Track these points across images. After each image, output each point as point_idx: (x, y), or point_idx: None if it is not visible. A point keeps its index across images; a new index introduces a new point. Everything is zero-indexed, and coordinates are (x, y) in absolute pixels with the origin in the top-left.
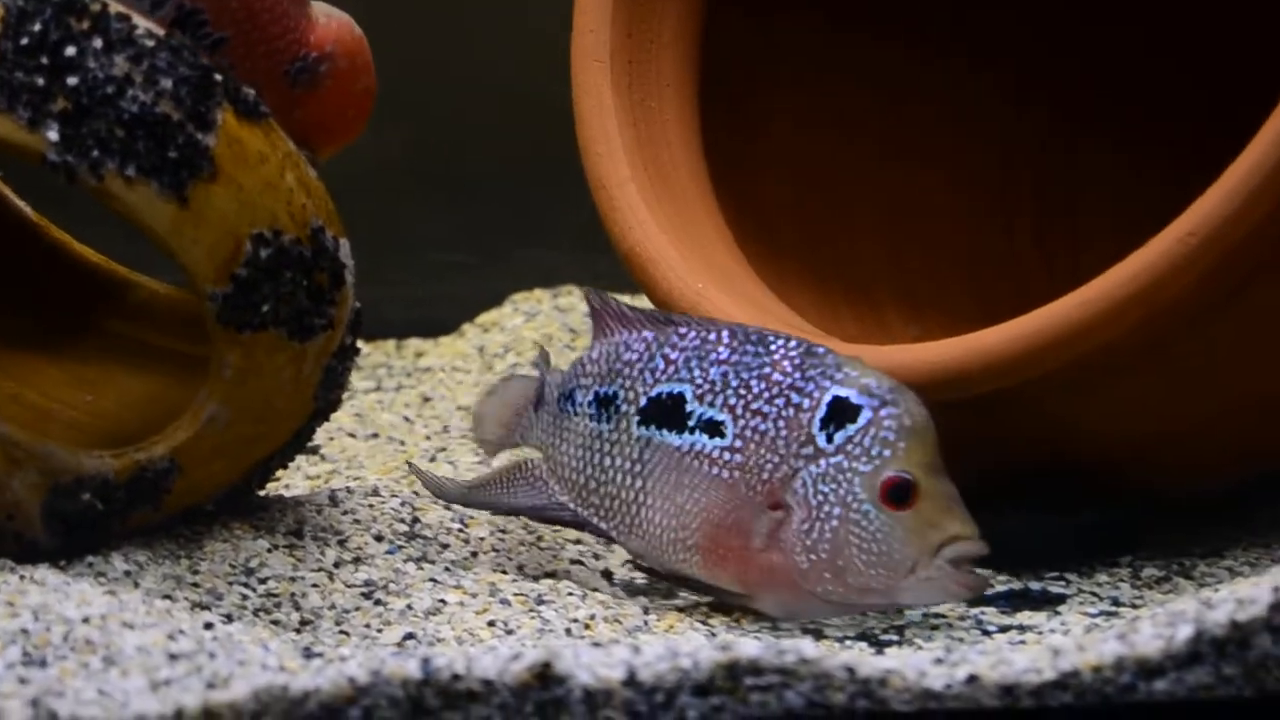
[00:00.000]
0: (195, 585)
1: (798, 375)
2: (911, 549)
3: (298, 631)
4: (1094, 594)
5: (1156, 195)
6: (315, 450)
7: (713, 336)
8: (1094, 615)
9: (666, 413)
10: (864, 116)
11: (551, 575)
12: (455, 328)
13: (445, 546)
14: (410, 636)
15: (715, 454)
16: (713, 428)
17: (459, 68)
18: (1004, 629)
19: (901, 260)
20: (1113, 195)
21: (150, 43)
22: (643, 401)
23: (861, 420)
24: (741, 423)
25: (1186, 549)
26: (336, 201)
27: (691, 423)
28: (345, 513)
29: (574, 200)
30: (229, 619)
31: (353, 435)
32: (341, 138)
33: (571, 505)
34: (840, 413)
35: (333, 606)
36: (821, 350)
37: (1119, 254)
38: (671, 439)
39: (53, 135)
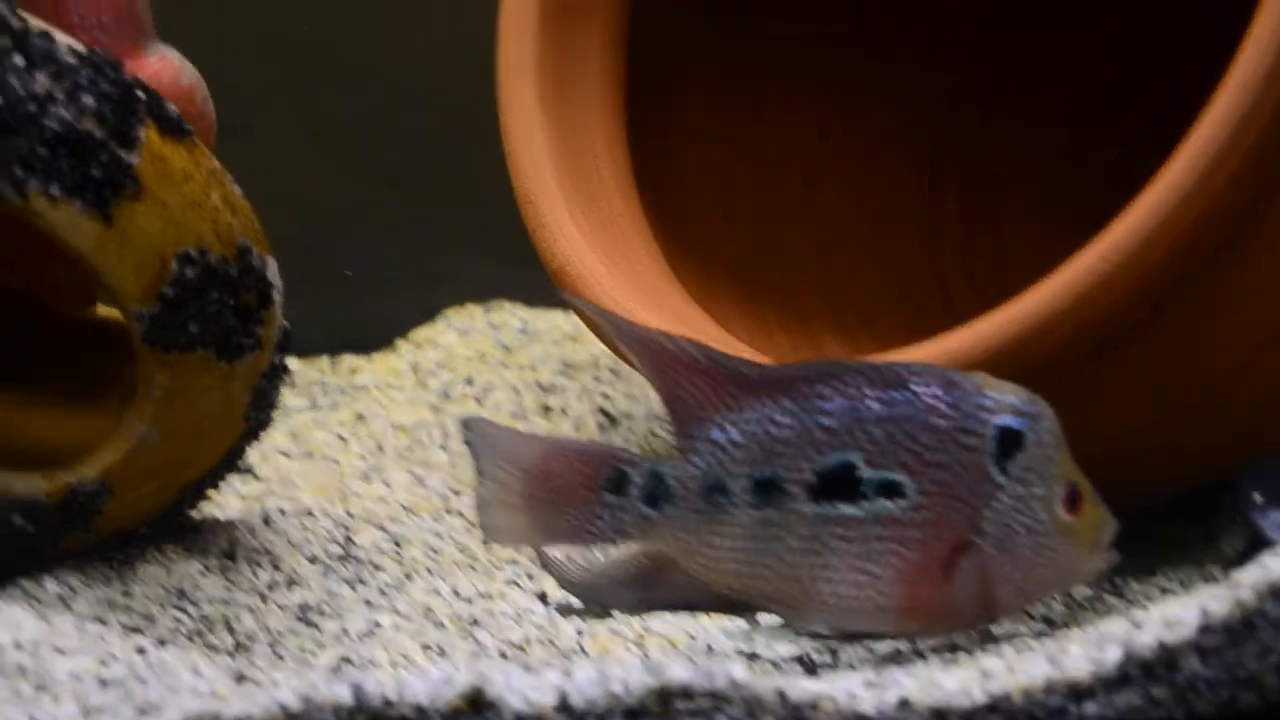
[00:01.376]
0: (128, 609)
1: (957, 414)
2: (1086, 547)
3: (232, 655)
4: (1026, 613)
5: (1084, 214)
6: (248, 470)
7: (855, 391)
8: (1026, 635)
9: (840, 485)
10: (793, 133)
11: (486, 597)
12: (389, 344)
13: (379, 568)
14: (345, 660)
15: (900, 515)
16: (891, 490)
17: (384, 76)
18: (936, 649)
19: (831, 278)
20: (1040, 215)
21: (72, 60)
22: (811, 479)
23: (1028, 445)
24: (920, 479)
25: (1118, 567)
26: (264, 218)
27: (869, 490)
28: (279, 534)
29: (505, 213)
30: (162, 643)
31: (286, 454)
32: None
33: (728, 593)
34: (1008, 443)
35: (267, 629)
36: (956, 377)
37: (1042, 273)
38: (850, 510)
39: None
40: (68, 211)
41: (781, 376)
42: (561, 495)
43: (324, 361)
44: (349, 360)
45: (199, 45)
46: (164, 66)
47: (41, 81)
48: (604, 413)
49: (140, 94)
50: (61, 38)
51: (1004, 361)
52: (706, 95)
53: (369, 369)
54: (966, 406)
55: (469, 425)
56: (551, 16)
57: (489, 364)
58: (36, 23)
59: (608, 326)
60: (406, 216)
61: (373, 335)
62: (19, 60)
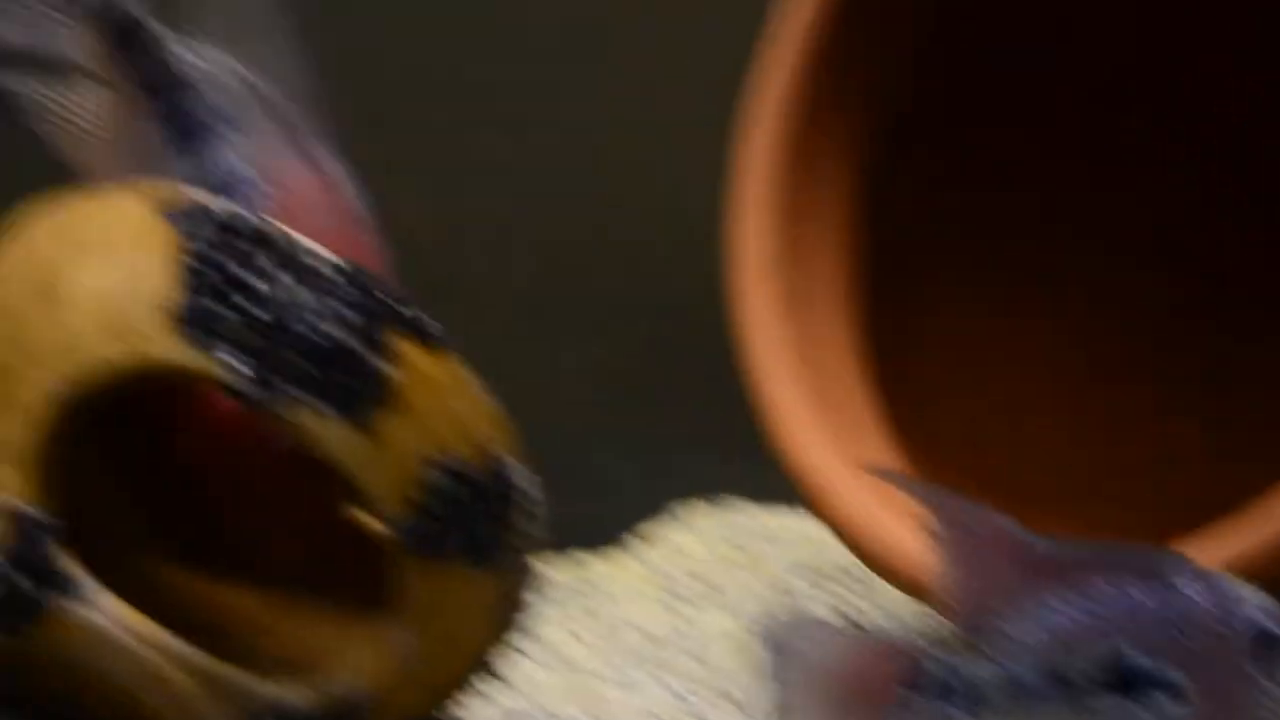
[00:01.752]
0: None
1: (1223, 613)
2: None
3: None
4: None
5: None
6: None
7: (1136, 580)
8: None
9: (1131, 684)
10: (1032, 317)
11: None
12: (616, 538)
13: None
14: None
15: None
16: (1175, 690)
17: (615, 273)
18: None
19: (1070, 471)
20: None
21: (332, 273)
22: (1106, 676)
23: None
24: (1196, 679)
25: None
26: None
27: (1155, 691)
28: None
29: (735, 408)
30: None
31: (521, 655)
32: None
33: None
34: (1267, 645)
35: None
36: (1217, 574)
37: None
38: (1139, 712)
39: (236, 364)
40: (325, 423)
41: (1072, 560)
42: (866, 698)
43: (552, 556)
44: (578, 556)
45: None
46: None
47: (302, 294)
48: (845, 616)
49: (399, 307)
50: (324, 251)
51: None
52: (944, 278)
53: (600, 567)
54: (1231, 606)
55: (771, 626)
56: (786, 217)
57: (723, 563)
58: (300, 238)
59: (916, 497)
60: (636, 410)
61: (602, 530)
62: (281, 273)
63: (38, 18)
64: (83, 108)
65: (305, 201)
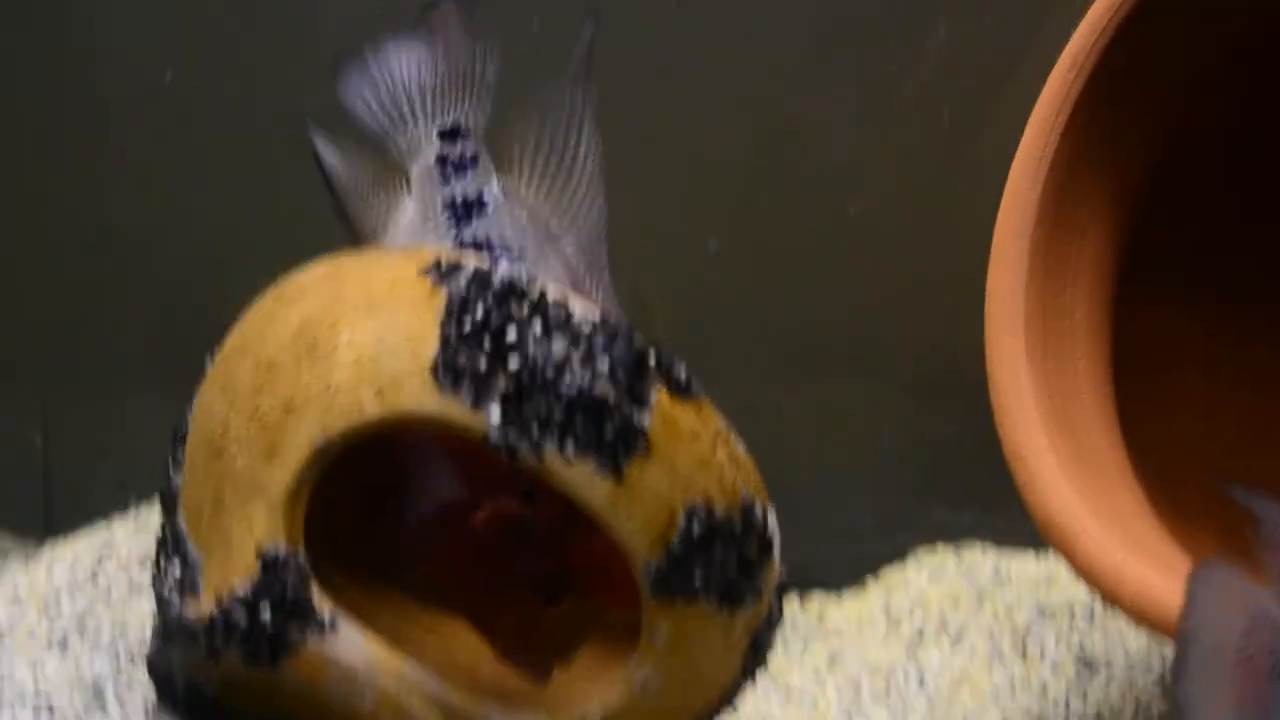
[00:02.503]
0: None
1: None
2: None
3: None
4: None
5: None
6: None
7: None
8: None
9: None
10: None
11: None
12: (857, 582)
13: None
14: None
15: None
16: None
17: (866, 316)
18: None
19: None
20: None
21: (587, 326)
22: None
23: None
24: None
25: None
26: None
27: None
28: None
29: (972, 456)
30: None
31: (764, 694)
32: None
33: None
34: None
35: None
36: None
37: None
38: None
39: (494, 416)
40: (581, 471)
41: None
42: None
43: (794, 600)
44: (819, 599)
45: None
46: None
47: (558, 346)
48: (1082, 659)
49: (652, 358)
50: (577, 304)
51: None
52: (1190, 354)
53: (839, 609)
54: None
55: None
56: (1040, 275)
57: (962, 607)
58: (554, 290)
59: None
60: (879, 459)
61: (843, 574)
62: (536, 326)
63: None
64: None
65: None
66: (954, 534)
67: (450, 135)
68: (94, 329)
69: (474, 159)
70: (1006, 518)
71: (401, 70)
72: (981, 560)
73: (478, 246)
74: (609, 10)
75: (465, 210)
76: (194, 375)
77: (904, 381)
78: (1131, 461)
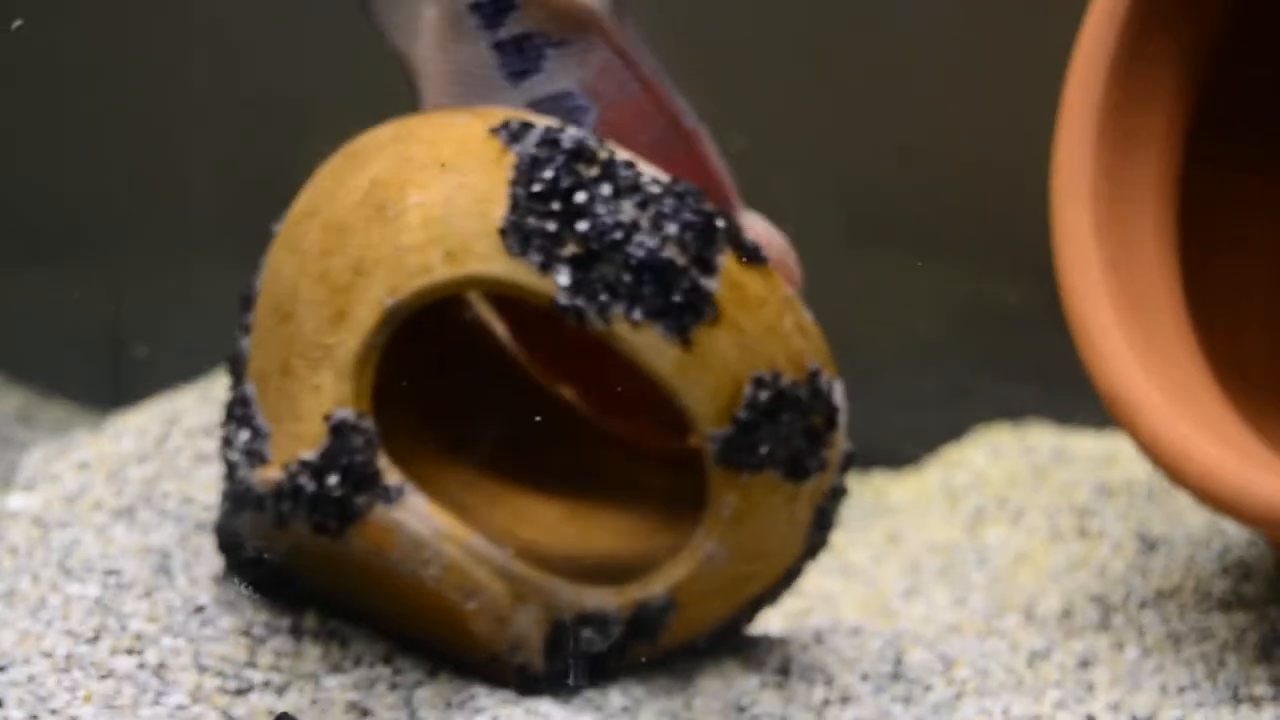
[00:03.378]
0: None
1: None
2: None
3: None
4: None
5: None
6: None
7: None
8: None
9: None
10: None
11: (1037, 719)
12: (917, 460)
13: (929, 688)
14: None
15: None
16: None
17: (932, 198)
18: None
19: None
20: None
21: (656, 189)
22: None
23: None
24: None
25: None
26: None
27: None
28: (830, 651)
29: (1035, 332)
30: None
31: (824, 570)
32: None
33: None
34: None
35: None
36: None
37: None
38: None
39: (563, 280)
40: (649, 336)
41: None
42: None
43: (854, 478)
44: (878, 477)
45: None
46: (767, 233)
47: (627, 210)
48: (1142, 537)
49: (720, 222)
50: (647, 167)
51: None
52: (1258, 229)
53: (899, 487)
54: None
55: None
56: (1108, 146)
57: (1021, 486)
58: (623, 153)
59: None
60: (940, 335)
61: (903, 451)
62: (606, 189)
63: None
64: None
65: (636, 117)
66: (1015, 411)
67: None
68: (164, 197)
69: None
70: (1069, 395)
71: None
72: (1041, 438)
73: (538, 97)
74: None
75: (514, 50)
76: (264, 243)
77: (968, 253)
78: (1198, 332)
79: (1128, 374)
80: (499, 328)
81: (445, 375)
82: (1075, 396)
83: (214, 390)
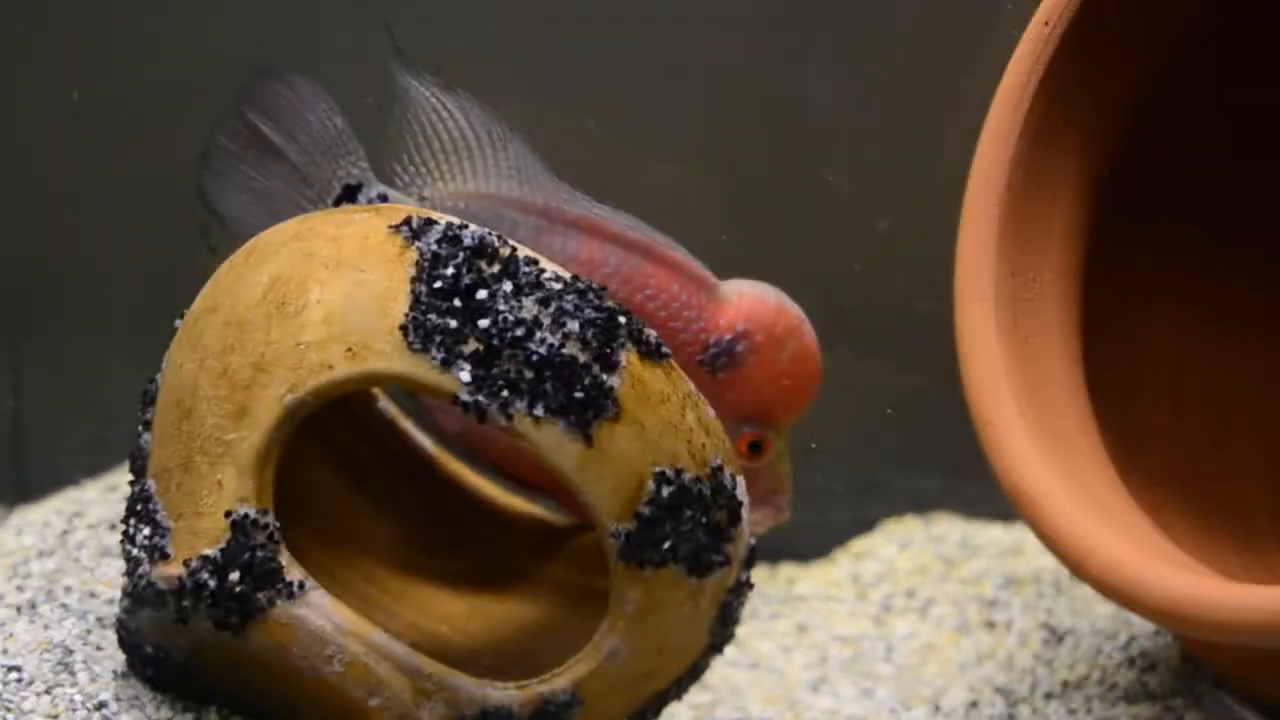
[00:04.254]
0: None
1: None
2: None
3: None
4: None
5: None
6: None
7: None
8: None
9: None
10: (1249, 334)
11: None
12: (826, 552)
13: None
14: None
15: None
16: None
17: (840, 284)
18: None
19: None
20: None
21: (558, 286)
22: None
23: None
24: None
25: None
26: None
27: None
28: None
29: (943, 424)
30: None
31: (732, 663)
32: (789, 408)
33: None
34: None
35: None
36: None
37: None
38: None
39: (464, 376)
40: (551, 433)
41: None
42: None
43: (763, 570)
44: (787, 568)
45: None
46: (751, 298)
47: (529, 306)
48: (1049, 628)
49: (622, 319)
50: (549, 264)
51: None
52: (1159, 314)
53: (808, 578)
54: None
55: None
56: (1010, 243)
57: (929, 577)
58: (524, 250)
59: None
60: (846, 428)
61: (811, 543)
62: (507, 286)
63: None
64: None
65: (586, 264)
66: (922, 503)
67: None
68: (68, 289)
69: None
70: (976, 486)
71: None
72: (949, 530)
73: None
74: None
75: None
76: (169, 336)
77: (872, 347)
78: (1099, 415)
79: (1030, 469)
80: (406, 421)
81: (351, 469)
82: (982, 487)
83: (118, 482)
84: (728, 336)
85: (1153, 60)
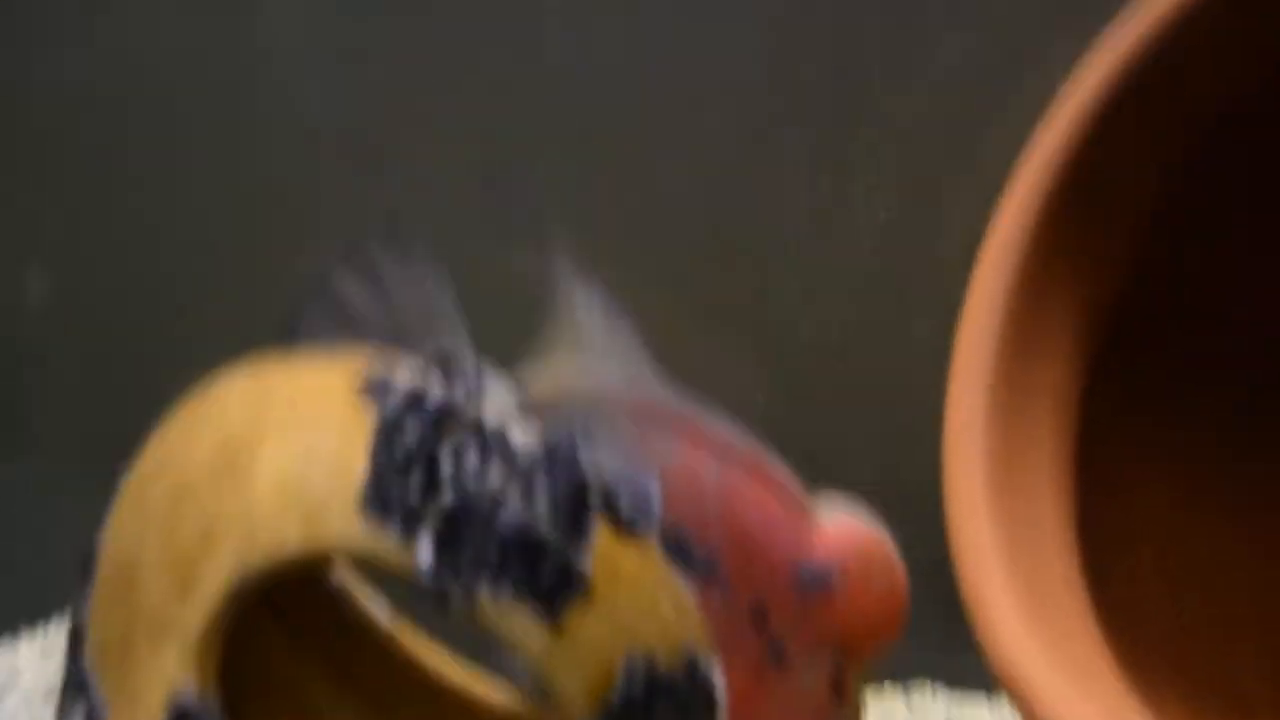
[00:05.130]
0: None
1: None
2: None
3: None
4: None
5: None
6: None
7: None
8: None
9: None
10: (1248, 510)
11: None
12: None
13: None
14: None
15: None
16: None
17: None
18: None
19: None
20: None
21: (526, 456)
22: None
23: None
24: None
25: None
26: None
27: None
28: None
29: (930, 595)
30: None
31: None
32: (872, 640)
33: None
34: None
35: None
36: None
37: None
38: None
39: (424, 554)
40: (516, 617)
41: None
42: None
43: None
44: None
45: None
46: (849, 527)
47: (495, 478)
48: None
49: (594, 495)
50: (518, 434)
51: None
52: (1156, 495)
53: None
54: None
55: None
56: (1002, 407)
57: None
58: (493, 417)
59: None
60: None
61: None
62: (472, 456)
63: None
64: None
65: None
66: (904, 673)
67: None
68: (10, 426)
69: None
70: (960, 659)
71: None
72: (932, 704)
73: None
74: None
75: None
76: (115, 477)
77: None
78: (1092, 583)
79: (1020, 647)
80: (361, 594)
81: (302, 642)
82: (968, 660)
83: (56, 641)
84: (822, 563)
85: (1152, 207)
